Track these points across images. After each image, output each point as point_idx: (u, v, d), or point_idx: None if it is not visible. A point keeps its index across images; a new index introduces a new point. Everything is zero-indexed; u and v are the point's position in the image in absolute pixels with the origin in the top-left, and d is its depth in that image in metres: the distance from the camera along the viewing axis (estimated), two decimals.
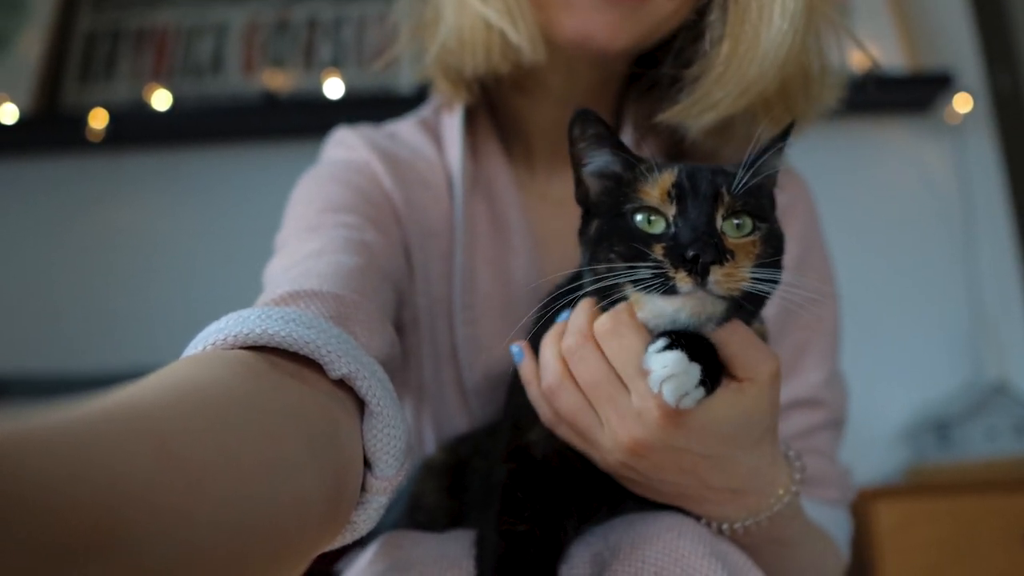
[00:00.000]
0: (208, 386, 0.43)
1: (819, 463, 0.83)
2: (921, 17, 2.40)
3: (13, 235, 2.40)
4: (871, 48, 2.23)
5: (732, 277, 0.56)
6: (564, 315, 0.67)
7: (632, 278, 0.58)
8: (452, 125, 0.91)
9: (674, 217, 0.59)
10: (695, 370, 0.56)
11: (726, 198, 0.59)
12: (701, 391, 0.56)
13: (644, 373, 0.57)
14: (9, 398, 2.05)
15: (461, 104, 0.90)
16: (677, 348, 0.56)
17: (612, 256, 0.60)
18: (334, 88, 2.31)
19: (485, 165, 0.90)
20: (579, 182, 0.67)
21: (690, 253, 0.55)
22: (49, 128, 2.37)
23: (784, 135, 0.64)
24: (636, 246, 0.58)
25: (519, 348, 0.68)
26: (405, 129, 0.95)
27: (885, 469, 2.15)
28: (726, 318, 0.59)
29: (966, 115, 2.30)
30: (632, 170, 0.63)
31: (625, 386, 0.60)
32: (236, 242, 2.29)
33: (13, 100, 2.36)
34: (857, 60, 2.24)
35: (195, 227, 2.38)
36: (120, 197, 2.42)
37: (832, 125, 2.27)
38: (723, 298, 0.57)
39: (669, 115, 0.79)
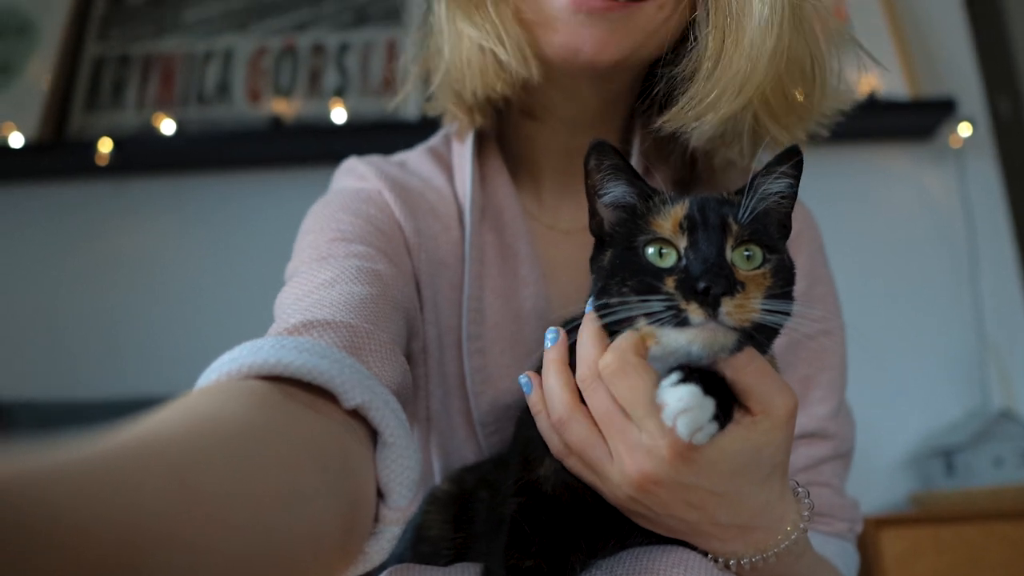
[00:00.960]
0: (224, 418, 0.43)
1: (826, 495, 0.82)
2: (923, 45, 2.41)
3: (19, 260, 2.40)
4: (873, 75, 2.25)
5: (743, 308, 0.56)
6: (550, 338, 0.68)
7: (645, 311, 0.58)
8: (462, 154, 0.92)
9: (685, 249, 0.59)
10: (709, 404, 0.55)
11: (734, 227, 0.60)
12: (715, 426, 0.56)
13: (655, 410, 0.57)
14: (13, 424, 2.05)
15: (472, 133, 0.91)
16: (692, 382, 0.56)
17: (625, 290, 0.60)
18: (339, 115, 2.32)
19: (494, 195, 0.90)
20: (594, 213, 0.68)
21: (701, 285, 0.55)
22: (56, 154, 2.38)
23: (784, 158, 0.64)
24: (648, 280, 0.59)
25: (527, 379, 0.68)
26: (415, 159, 0.96)
27: (891, 497, 2.13)
28: (737, 349, 0.59)
29: (967, 140, 2.31)
30: (646, 202, 0.64)
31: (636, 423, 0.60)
32: (242, 268, 2.30)
33: (20, 127, 2.38)
34: (860, 86, 2.26)
35: (201, 253, 2.39)
36: (126, 223, 2.43)
37: (836, 151, 2.30)
38: (735, 329, 0.57)
39: (668, 118, 0.79)
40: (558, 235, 0.92)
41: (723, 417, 0.57)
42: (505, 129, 0.94)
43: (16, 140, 2.36)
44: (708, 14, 0.76)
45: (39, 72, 2.47)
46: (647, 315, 0.58)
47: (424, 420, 0.88)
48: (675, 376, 0.57)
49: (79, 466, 0.30)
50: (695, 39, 0.77)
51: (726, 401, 0.58)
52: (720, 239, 0.59)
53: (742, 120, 0.80)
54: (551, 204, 0.93)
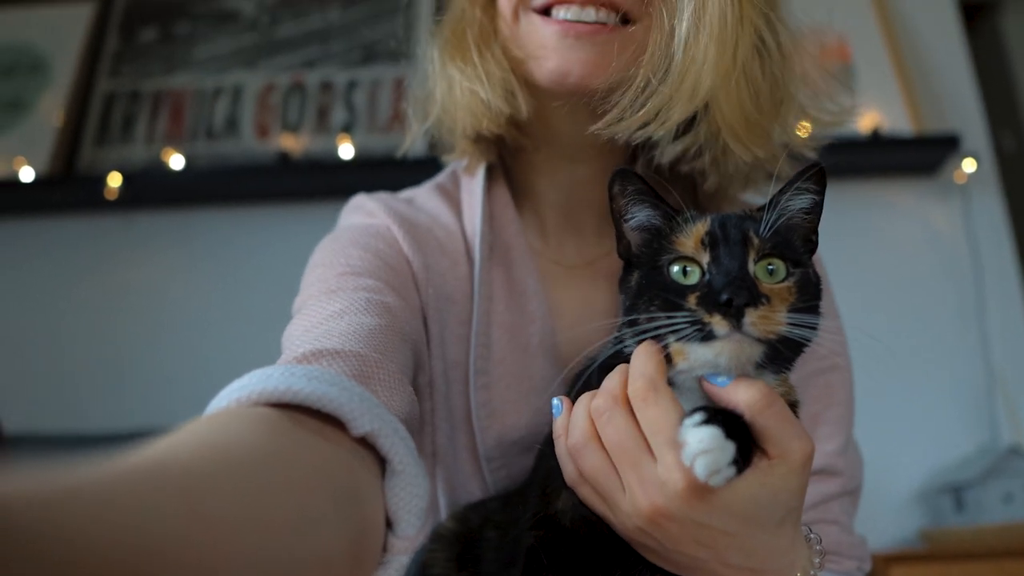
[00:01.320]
0: (233, 444, 0.43)
1: (835, 533, 0.82)
2: (926, 81, 2.43)
3: (28, 292, 2.42)
4: (878, 112, 2.26)
5: (768, 320, 0.57)
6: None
7: (671, 329, 0.59)
8: (471, 190, 0.93)
9: (708, 264, 0.61)
10: (730, 448, 0.55)
11: (755, 241, 0.61)
12: (732, 470, 0.56)
13: (675, 444, 0.57)
14: (18, 456, 2.04)
15: (483, 168, 0.92)
16: (714, 424, 0.56)
17: (652, 308, 0.62)
18: (347, 151, 2.34)
19: (502, 231, 0.91)
20: (620, 236, 0.70)
21: (723, 297, 0.57)
22: (65, 188, 2.40)
23: (804, 173, 0.65)
24: (672, 298, 0.60)
25: (559, 401, 0.69)
26: (423, 195, 0.97)
27: (899, 533, 2.11)
28: (765, 362, 0.60)
29: (972, 175, 2.32)
30: (670, 222, 0.66)
31: (651, 453, 0.60)
32: (248, 302, 2.31)
33: (31, 161, 2.41)
34: (864, 122, 2.27)
35: (208, 286, 2.40)
36: (134, 256, 2.44)
37: (841, 187, 2.30)
38: (760, 341, 0.58)
39: (600, 126, 0.80)
40: (563, 270, 0.93)
41: (742, 462, 0.57)
42: (509, 164, 0.95)
43: (27, 174, 2.38)
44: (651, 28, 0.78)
45: (51, 108, 2.51)
46: (674, 332, 0.59)
47: (430, 455, 0.88)
48: (699, 416, 0.57)
49: (88, 488, 0.30)
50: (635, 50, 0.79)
51: (745, 444, 0.58)
52: (742, 253, 0.60)
53: (705, 138, 0.82)
54: (555, 239, 0.94)
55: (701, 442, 0.55)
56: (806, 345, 0.62)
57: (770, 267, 0.61)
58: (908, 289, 2.29)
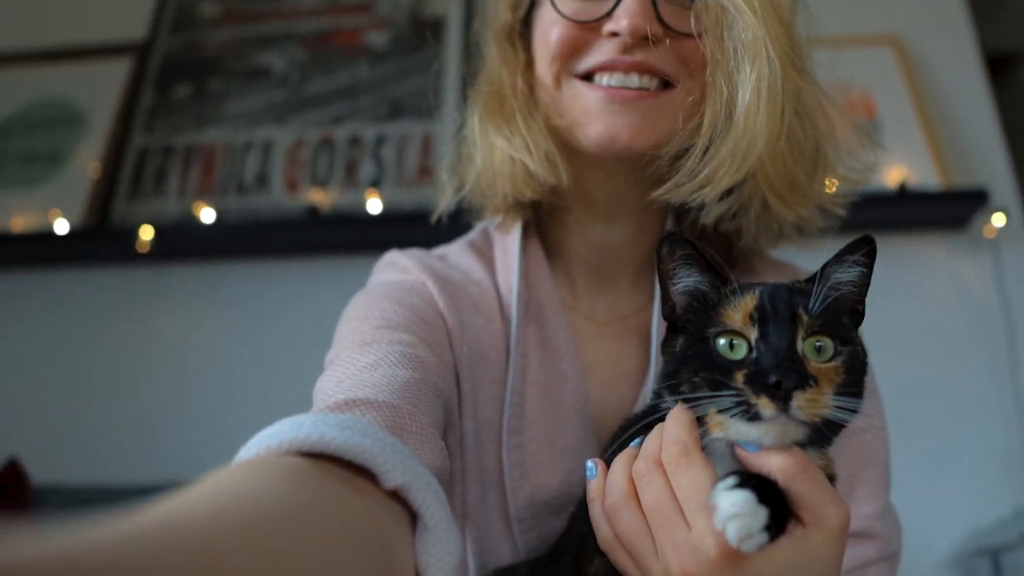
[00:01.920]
0: (260, 496, 0.43)
1: None
2: (953, 136, 2.43)
3: (58, 342, 2.45)
4: (904, 167, 2.26)
5: (815, 404, 0.57)
6: (636, 441, 0.68)
7: (716, 407, 0.59)
8: (505, 247, 0.94)
9: (756, 341, 0.60)
10: (762, 513, 0.55)
11: (804, 319, 0.60)
12: (765, 536, 0.55)
13: (707, 508, 0.56)
14: (42, 508, 2.05)
15: (519, 226, 0.93)
16: (747, 488, 0.55)
17: (696, 380, 0.61)
18: (375, 205, 2.37)
19: (536, 288, 0.91)
20: (666, 298, 0.69)
21: (772, 379, 0.56)
22: (98, 240, 2.44)
23: (856, 247, 0.65)
24: (718, 374, 0.59)
25: (594, 464, 0.69)
26: (455, 252, 0.97)
27: None
28: (808, 442, 0.60)
29: (1001, 230, 2.30)
30: (717, 291, 0.65)
31: (685, 518, 0.59)
32: (277, 355, 2.32)
33: (66, 213, 2.46)
34: (892, 178, 2.27)
35: (236, 339, 2.41)
36: (164, 308, 2.47)
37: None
38: (804, 423, 0.57)
39: (663, 192, 0.81)
40: (595, 327, 0.93)
41: (775, 528, 0.56)
42: (542, 221, 0.96)
43: (61, 226, 2.42)
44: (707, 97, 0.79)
45: (86, 161, 2.57)
46: (720, 411, 0.59)
47: (460, 515, 0.87)
48: (731, 480, 0.56)
49: (109, 545, 0.29)
50: (683, 119, 0.80)
51: (780, 510, 0.57)
52: (791, 331, 0.59)
53: (749, 197, 0.83)
54: (586, 295, 0.94)
55: (733, 506, 0.54)
56: (847, 424, 0.61)
57: (818, 344, 0.60)
58: (938, 345, 2.26)
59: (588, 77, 0.83)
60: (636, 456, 0.66)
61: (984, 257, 2.32)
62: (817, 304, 0.61)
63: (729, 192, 0.83)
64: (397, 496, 0.52)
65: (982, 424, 2.19)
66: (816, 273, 0.64)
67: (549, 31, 0.85)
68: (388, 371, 0.69)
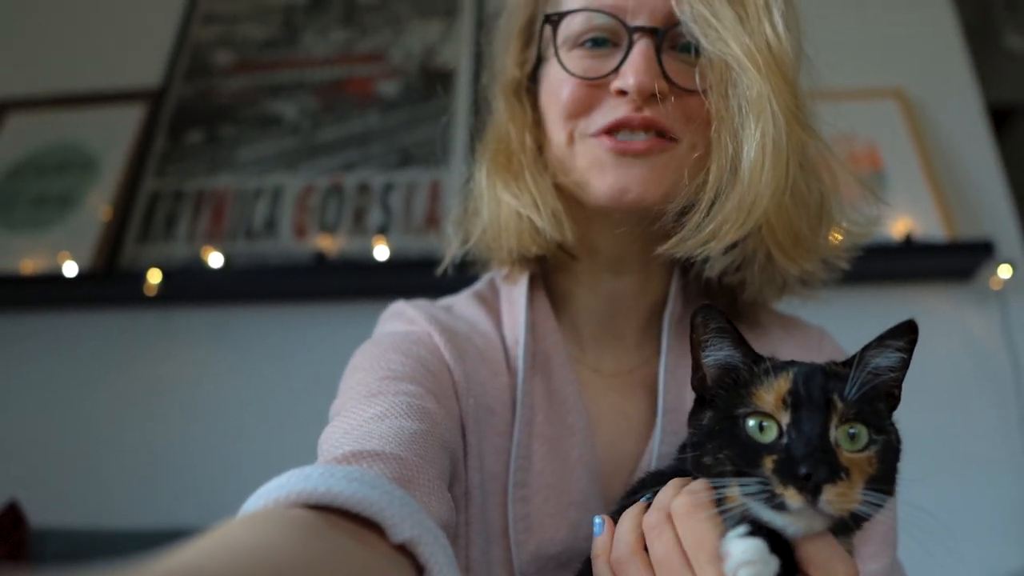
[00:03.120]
0: (267, 548, 0.43)
1: None
2: (958, 188, 2.44)
3: (64, 385, 2.45)
4: (910, 218, 2.27)
5: (845, 498, 0.55)
6: (646, 497, 0.67)
7: (742, 492, 0.57)
8: (511, 299, 0.94)
9: (788, 426, 0.58)
10: (774, 563, 0.54)
11: (839, 406, 0.58)
12: None
13: (717, 559, 0.56)
14: (47, 552, 2.03)
15: (526, 277, 0.93)
16: (759, 536, 0.55)
17: (721, 457, 0.60)
18: (382, 252, 2.38)
19: (543, 340, 0.91)
20: (697, 368, 0.68)
21: (803, 470, 0.54)
22: (106, 284, 2.45)
23: (899, 332, 0.63)
24: (746, 455, 0.58)
25: (601, 520, 0.69)
26: (461, 303, 0.97)
27: None
28: (838, 531, 0.58)
29: (1008, 282, 2.30)
30: (750, 369, 0.63)
31: (693, 570, 0.58)
32: (283, 400, 2.32)
33: (75, 256, 2.48)
34: (897, 229, 2.27)
35: (243, 384, 2.41)
36: (170, 352, 2.47)
37: (876, 293, 2.29)
38: (831, 516, 0.55)
39: (669, 245, 0.81)
40: (601, 379, 0.92)
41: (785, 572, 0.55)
42: (548, 273, 0.96)
43: (70, 269, 2.44)
44: (713, 153, 0.80)
45: (97, 205, 2.59)
46: (745, 496, 0.57)
47: (463, 568, 0.85)
48: (743, 528, 0.56)
49: None
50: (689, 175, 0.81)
51: (789, 564, 0.56)
52: (824, 418, 0.57)
53: (752, 252, 0.84)
54: (593, 348, 0.94)
55: (745, 553, 0.54)
56: (870, 518, 0.59)
57: (852, 432, 0.58)
58: (946, 397, 2.24)
59: (598, 134, 0.84)
60: (644, 510, 0.65)
61: (991, 309, 2.32)
62: (854, 391, 0.59)
63: (733, 246, 0.83)
64: (404, 549, 0.52)
65: (991, 477, 2.16)
66: (854, 356, 0.62)
67: (559, 90, 0.86)
68: (395, 422, 0.69)
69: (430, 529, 0.53)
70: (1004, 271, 2.28)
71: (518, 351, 0.88)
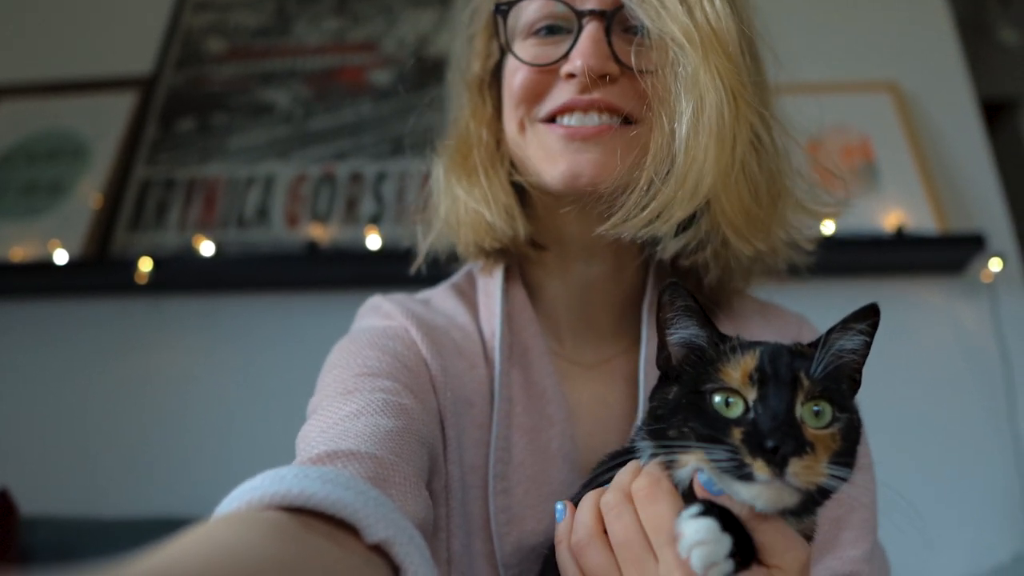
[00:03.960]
0: (242, 551, 0.43)
1: None
2: (950, 181, 2.44)
3: (53, 373, 2.44)
4: (902, 210, 2.27)
5: (811, 471, 0.56)
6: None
7: (708, 458, 0.58)
8: (488, 291, 0.93)
9: (754, 402, 0.59)
10: (726, 541, 0.55)
11: (805, 383, 0.59)
12: (731, 564, 0.55)
13: (675, 540, 0.56)
14: (36, 540, 2.02)
15: (501, 270, 0.93)
16: (711, 516, 0.56)
17: (685, 430, 0.61)
18: (374, 241, 2.38)
19: (521, 332, 0.90)
20: (662, 346, 0.69)
21: (770, 443, 0.55)
22: (97, 272, 2.44)
23: (862, 316, 0.64)
24: (712, 427, 0.59)
25: (563, 506, 0.69)
26: (439, 296, 0.97)
27: None
28: (800, 510, 0.59)
29: (998, 275, 2.31)
30: (716, 347, 0.64)
31: (654, 552, 0.59)
32: (273, 389, 2.31)
33: (65, 244, 2.47)
34: (889, 221, 2.28)
35: (233, 372, 2.40)
36: (161, 340, 2.46)
37: (866, 285, 2.30)
38: (798, 490, 0.57)
39: (608, 226, 0.81)
40: (581, 369, 0.92)
41: (741, 559, 0.56)
42: (522, 266, 0.96)
43: (60, 257, 2.43)
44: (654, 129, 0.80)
45: (88, 192, 2.58)
46: (711, 462, 0.58)
47: (444, 561, 0.85)
48: (696, 508, 0.57)
49: None
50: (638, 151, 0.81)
51: (747, 545, 0.57)
52: (790, 394, 0.59)
53: (706, 232, 0.84)
54: (571, 339, 0.94)
55: (697, 532, 0.55)
56: (833, 493, 0.61)
57: (817, 409, 0.59)
58: (936, 390, 2.25)
59: (551, 120, 0.84)
60: (600, 495, 0.66)
61: (981, 302, 2.33)
62: (819, 369, 0.60)
63: (686, 227, 0.83)
64: (380, 550, 0.52)
65: (980, 469, 2.18)
66: (820, 338, 0.63)
67: (512, 78, 0.86)
68: (371, 420, 0.69)
69: (405, 529, 0.54)
70: (995, 264, 2.28)
71: (495, 343, 0.88)
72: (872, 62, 2.59)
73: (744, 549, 0.57)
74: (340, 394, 0.75)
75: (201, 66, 2.80)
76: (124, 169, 2.61)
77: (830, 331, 0.64)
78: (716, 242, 0.85)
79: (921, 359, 2.29)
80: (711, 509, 0.57)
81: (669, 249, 0.85)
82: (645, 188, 0.79)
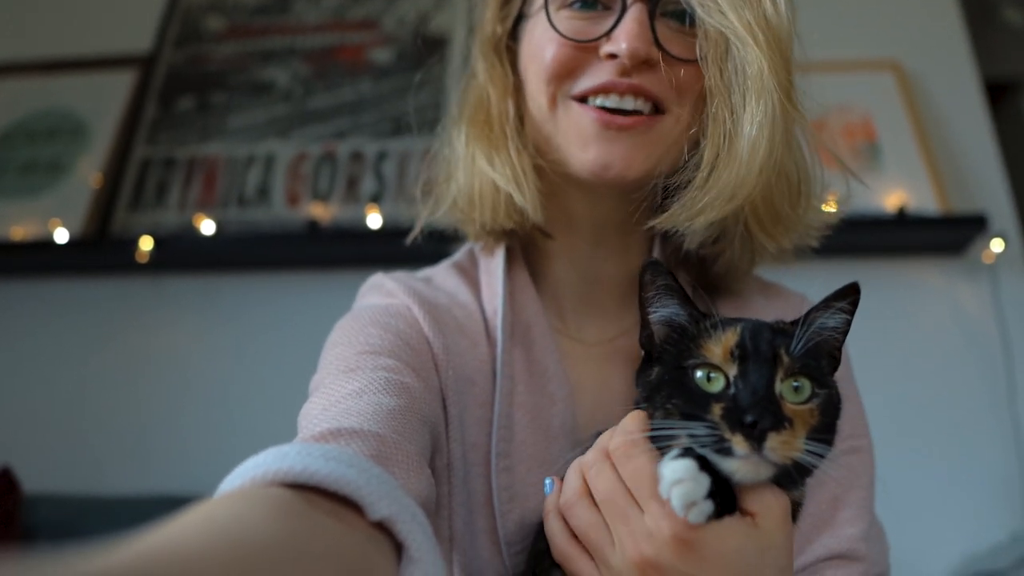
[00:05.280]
0: (245, 528, 0.43)
1: None
2: (952, 162, 2.44)
3: (55, 351, 2.45)
4: (904, 191, 2.27)
5: (788, 446, 0.57)
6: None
7: (688, 432, 0.59)
8: (489, 270, 0.93)
9: (735, 377, 0.60)
10: (705, 480, 0.56)
11: (785, 360, 0.60)
12: (710, 504, 0.56)
13: (657, 491, 0.58)
14: (36, 518, 2.04)
15: (503, 248, 0.92)
16: (689, 457, 0.57)
17: (669, 407, 0.62)
18: (375, 220, 2.37)
19: (522, 311, 0.90)
20: (644, 325, 0.70)
21: (749, 418, 0.56)
22: (97, 250, 2.45)
23: (843, 294, 0.65)
24: (694, 403, 0.60)
25: (551, 480, 0.71)
26: (441, 274, 0.96)
27: None
28: (785, 482, 0.61)
29: (1000, 256, 2.31)
30: (697, 324, 0.65)
31: (639, 505, 0.60)
32: (274, 368, 2.32)
33: (66, 223, 2.46)
34: (891, 202, 2.27)
35: (234, 351, 2.41)
36: (161, 319, 2.47)
37: (868, 265, 2.30)
38: (775, 464, 0.58)
39: (661, 220, 0.81)
40: (584, 348, 0.92)
41: (723, 505, 0.58)
42: (525, 245, 0.95)
43: (61, 236, 2.43)
44: (703, 127, 0.79)
45: (88, 172, 2.58)
46: (691, 438, 0.59)
47: (447, 539, 0.85)
48: (675, 452, 0.58)
49: None
50: (687, 152, 0.81)
51: (729, 494, 0.59)
52: (770, 370, 0.60)
53: (732, 226, 0.83)
54: (574, 318, 0.94)
55: (675, 472, 0.56)
56: (813, 470, 0.62)
57: (796, 385, 0.60)
58: (936, 370, 2.26)
59: (582, 98, 0.82)
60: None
61: (982, 282, 2.33)
62: (799, 346, 0.61)
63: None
64: (382, 527, 0.52)
65: (979, 449, 2.19)
66: (801, 317, 0.64)
67: (543, 49, 0.84)
68: (373, 399, 0.69)
69: (407, 507, 0.54)
70: (996, 245, 2.28)
71: (497, 321, 0.88)
72: (875, 41, 2.58)
73: (727, 502, 0.59)
74: (342, 372, 0.75)
75: (200, 44, 2.79)
76: (124, 148, 2.61)
77: (812, 310, 0.65)
78: (741, 233, 0.84)
79: (922, 340, 2.29)
80: (690, 452, 0.58)
81: (695, 240, 0.84)
82: (701, 185, 0.78)
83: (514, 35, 0.92)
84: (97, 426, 2.35)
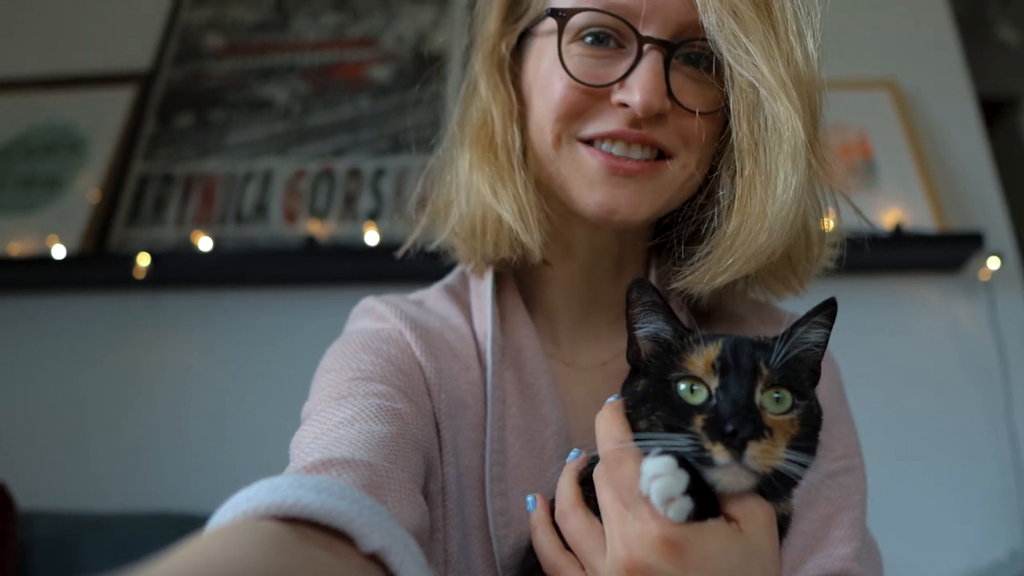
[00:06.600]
0: (239, 563, 0.43)
1: None
2: (949, 180, 2.44)
3: (51, 367, 2.44)
4: (900, 209, 2.27)
5: (768, 455, 0.58)
6: (573, 454, 0.74)
7: (670, 446, 0.60)
8: (480, 293, 0.92)
9: (716, 389, 0.61)
10: (683, 476, 0.57)
11: (765, 372, 0.62)
12: (689, 501, 0.57)
13: (645, 497, 0.59)
14: (33, 535, 2.02)
15: (491, 272, 0.92)
16: (669, 455, 0.58)
17: (653, 419, 0.63)
18: (372, 237, 2.38)
19: (513, 334, 0.90)
20: (632, 341, 0.71)
21: (729, 427, 0.57)
22: (94, 266, 2.44)
23: (822, 308, 0.66)
24: (677, 415, 0.61)
25: (533, 497, 0.73)
26: (432, 297, 0.96)
27: None
28: (769, 494, 0.61)
29: (996, 273, 2.31)
30: (681, 339, 0.67)
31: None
32: (270, 385, 2.31)
33: (63, 239, 2.47)
34: (887, 219, 2.28)
35: (230, 368, 2.40)
36: (158, 335, 2.46)
37: (864, 283, 2.30)
38: (756, 473, 0.58)
39: (686, 283, 0.81)
40: (577, 373, 0.92)
41: (704, 506, 0.58)
42: (517, 271, 0.95)
43: (58, 252, 2.43)
44: (732, 190, 0.78)
45: (86, 187, 2.58)
46: (672, 450, 0.60)
47: (442, 563, 0.84)
48: (657, 450, 0.59)
49: None
50: (718, 217, 0.79)
51: (711, 498, 0.60)
52: (751, 382, 0.61)
53: (743, 278, 0.83)
54: (567, 342, 0.94)
55: (654, 467, 0.57)
56: (797, 482, 0.62)
57: (777, 396, 0.61)
58: (933, 387, 2.26)
59: (589, 140, 0.81)
60: (577, 467, 0.70)
61: (979, 300, 2.33)
62: (779, 359, 0.63)
63: None
64: (375, 559, 0.52)
65: (977, 467, 2.18)
66: (782, 332, 0.66)
67: (550, 86, 0.82)
68: (365, 427, 0.69)
69: (400, 538, 0.54)
70: (993, 263, 2.29)
71: (486, 345, 0.87)
72: (871, 59, 2.59)
73: (711, 509, 0.59)
74: (333, 399, 0.75)
75: (199, 61, 2.80)
76: (122, 164, 2.61)
77: (793, 325, 0.66)
78: (750, 280, 0.85)
79: (918, 357, 2.29)
80: (672, 453, 0.59)
81: (704, 294, 0.83)
82: (727, 247, 0.77)
83: (518, 47, 0.91)
84: (94, 442, 2.34)
